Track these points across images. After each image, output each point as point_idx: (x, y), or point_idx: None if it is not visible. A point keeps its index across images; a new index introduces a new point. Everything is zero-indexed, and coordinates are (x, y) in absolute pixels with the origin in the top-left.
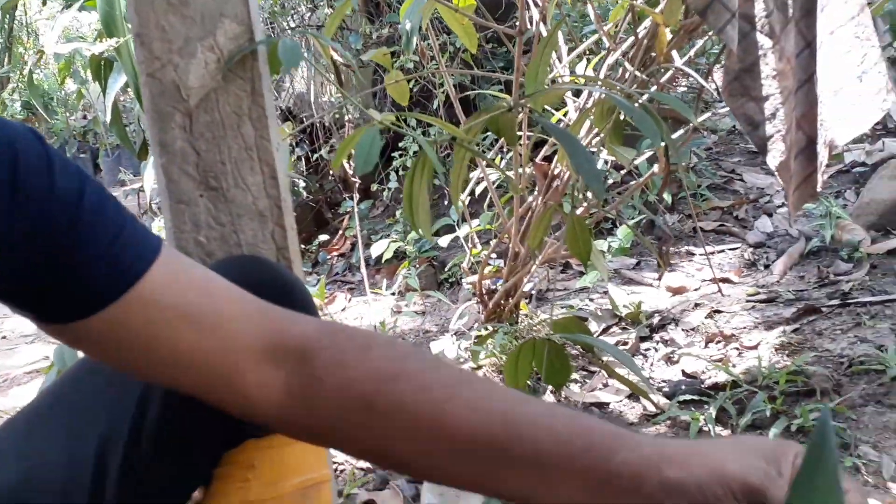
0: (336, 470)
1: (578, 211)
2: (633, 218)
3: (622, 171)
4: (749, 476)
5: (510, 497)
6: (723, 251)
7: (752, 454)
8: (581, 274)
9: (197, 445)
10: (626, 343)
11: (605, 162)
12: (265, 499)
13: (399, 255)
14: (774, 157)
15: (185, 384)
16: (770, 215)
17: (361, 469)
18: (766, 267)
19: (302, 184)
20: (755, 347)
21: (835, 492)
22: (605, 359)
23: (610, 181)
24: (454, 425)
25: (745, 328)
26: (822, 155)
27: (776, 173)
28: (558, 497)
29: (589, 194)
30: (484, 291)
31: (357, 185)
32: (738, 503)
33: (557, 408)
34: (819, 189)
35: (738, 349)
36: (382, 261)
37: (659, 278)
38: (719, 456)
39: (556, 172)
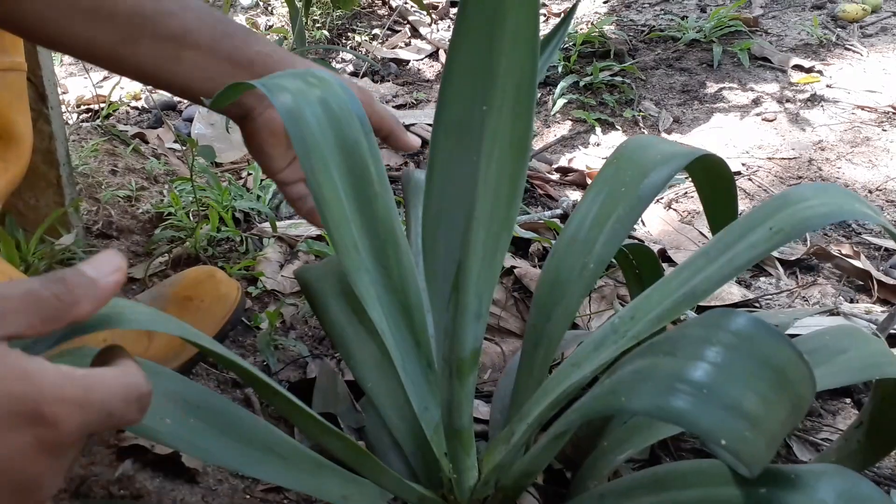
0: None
1: None
2: None
3: None
4: None
5: (150, 77)
6: None
7: None
8: None
9: None
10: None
11: None
12: None
13: None
14: None
15: None
16: None
17: (136, 108)
18: None
19: None
20: (559, 15)
21: None
22: (410, 18)
23: None
24: None
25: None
26: None
27: None
28: (195, 77)
29: None
30: None
31: None
32: None
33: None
34: None
35: (544, 16)
36: None
37: None
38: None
39: None
